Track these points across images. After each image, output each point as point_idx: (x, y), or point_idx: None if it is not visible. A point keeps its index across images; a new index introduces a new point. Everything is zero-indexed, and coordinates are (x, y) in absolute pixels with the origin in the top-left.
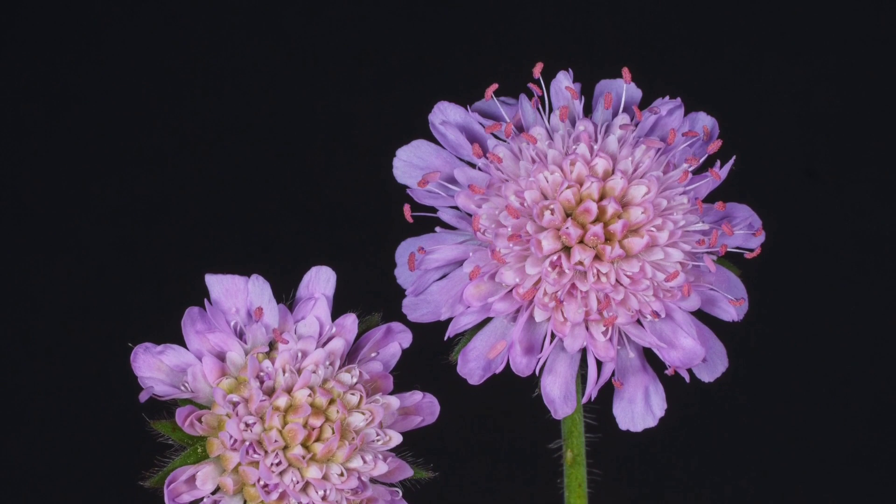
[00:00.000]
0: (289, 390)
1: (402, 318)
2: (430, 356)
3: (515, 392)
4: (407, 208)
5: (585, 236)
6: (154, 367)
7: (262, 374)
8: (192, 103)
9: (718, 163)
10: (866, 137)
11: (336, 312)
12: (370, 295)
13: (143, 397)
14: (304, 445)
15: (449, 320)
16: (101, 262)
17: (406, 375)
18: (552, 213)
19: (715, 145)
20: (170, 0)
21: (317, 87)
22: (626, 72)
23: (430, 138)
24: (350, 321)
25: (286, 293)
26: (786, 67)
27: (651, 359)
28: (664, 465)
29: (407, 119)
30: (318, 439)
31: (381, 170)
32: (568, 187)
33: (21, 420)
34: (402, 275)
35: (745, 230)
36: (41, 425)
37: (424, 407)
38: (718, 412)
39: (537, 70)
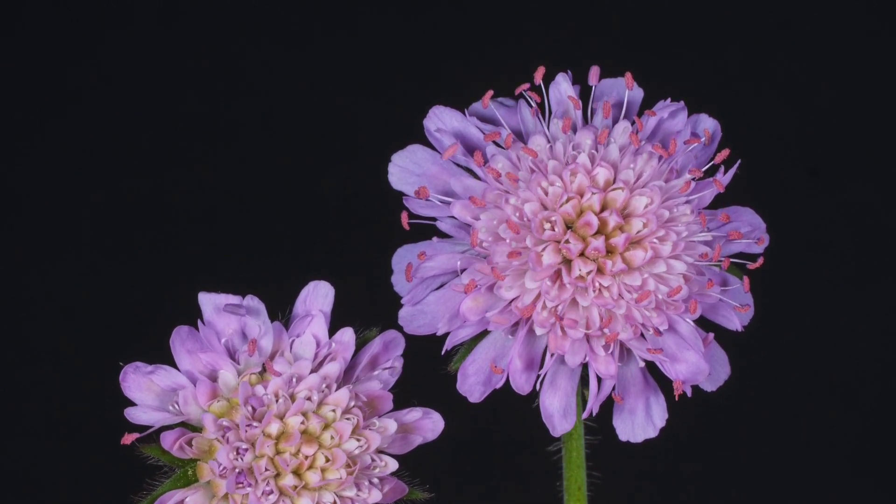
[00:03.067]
0: (281, 416)
1: (401, 327)
2: (425, 361)
3: (513, 393)
4: (404, 216)
5: (586, 250)
6: (144, 387)
7: (254, 398)
8: (187, 109)
9: (722, 168)
10: (870, 136)
11: (334, 322)
12: (369, 301)
13: (127, 440)
14: (297, 473)
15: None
16: (94, 270)
17: (403, 382)
18: (552, 229)
19: (723, 154)
20: (174, 7)
21: (315, 90)
22: (628, 77)
23: (427, 142)
24: (347, 337)
25: (285, 292)
26: (787, 65)
27: (651, 368)
28: (664, 467)
29: (406, 120)
30: (310, 467)
31: (380, 174)
32: (568, 199)
33: (7, 438)
34: (399, 282)
35: (749, 236)
36: (28, 444)
37: (426, 425)
38: (719, 414)
39: (539, 75)
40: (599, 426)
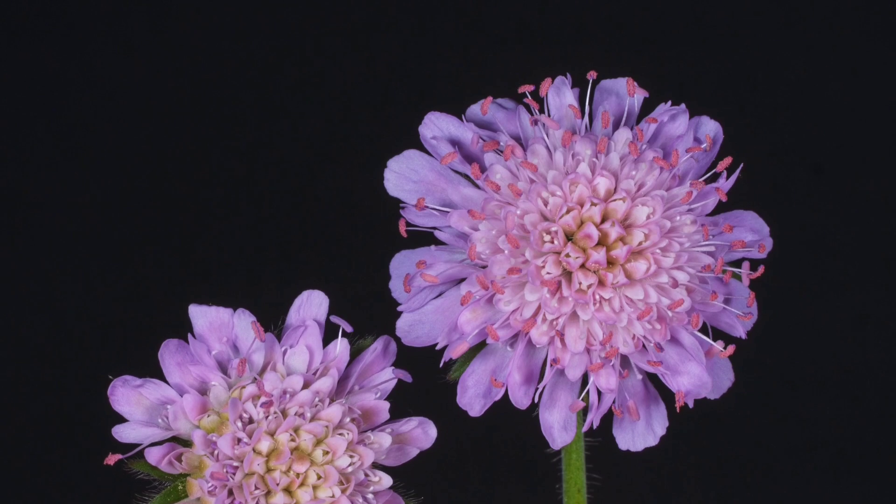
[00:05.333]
0: (272, 433)
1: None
2: (421, 366)
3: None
4: (402, 223)
5: (587, 262)
6: (133, 401)
7: (245, 415)
8: (184, 112)
9: (725, 174)
10: (874, 133)
11: (329, 331)
12: (364, 309)
13: (110, 461)
14: (288, 491)
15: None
16: (86, 276)
17: (398, 388)
18: (552, 241)
19: (725, 162)
20: (170, 4)
21: (312, 93)
22: (630, 83)
23: (423, 147)
24: (341, 347)
25: (281, 299)
26: (788, 64)
27: (652, 375)
28: (665, 469)
29: (405, 123)
30: (302, 485)
31: (378, 179)
32: (568, 210)
33: None
34: (397, 288)
35: (752, 242)
36: (14, 457)
37: (419, 434)
38: (721, 416)
39: (545, 87)
40: (599, 428)
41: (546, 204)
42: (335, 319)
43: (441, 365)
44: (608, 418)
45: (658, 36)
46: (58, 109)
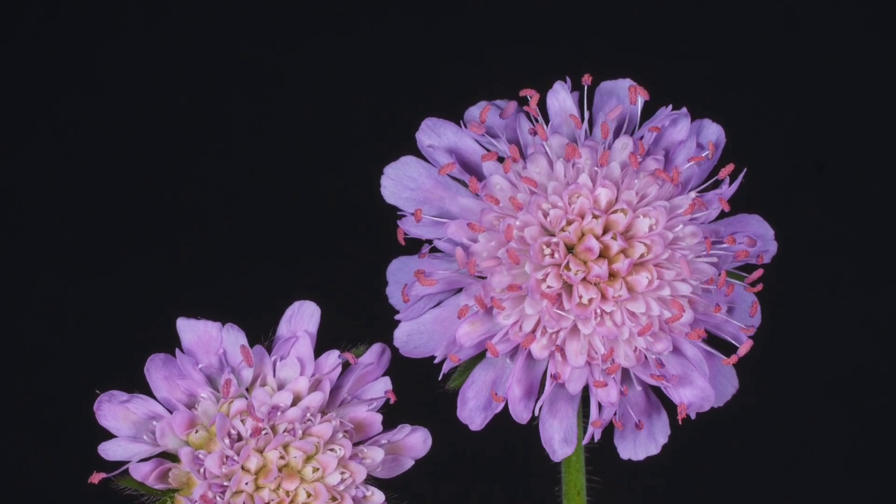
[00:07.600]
0: (261, 450)
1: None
2: (417, 372)
3: None
4: (400, 232)
5: (588, 275)
6: (120, 416)
7: (233, 431)
8: (179, 115)
9: (727, 181)
10: (876, 132)
11: (322, 340)
12: (360, 316)
13: (95, 479)
14: None
15: None
16: (77, 283)
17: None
18: (553, 255)
19: (727, 169)
20: (169, 3)
21: (311, 95)
22: (631, 91)
23: (420, 151)
24: (333, 359)
25: (273, 300)
26: (789, 62)
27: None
28: (665, 471)
29: (404, 125)
30: (292, 503)
31: (375, 184)
32: (569, 223)
33: None
34: (394, 294)
35: (755, 248)
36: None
37: (415, 443)
38: (722, 418)
39: (534, 102)
40: (600, 431)
41: (546, 216)
42: (345, 356)
43: (440, 377)
44: (610, 421)
45: (658, 36)
46: (50, 110)
